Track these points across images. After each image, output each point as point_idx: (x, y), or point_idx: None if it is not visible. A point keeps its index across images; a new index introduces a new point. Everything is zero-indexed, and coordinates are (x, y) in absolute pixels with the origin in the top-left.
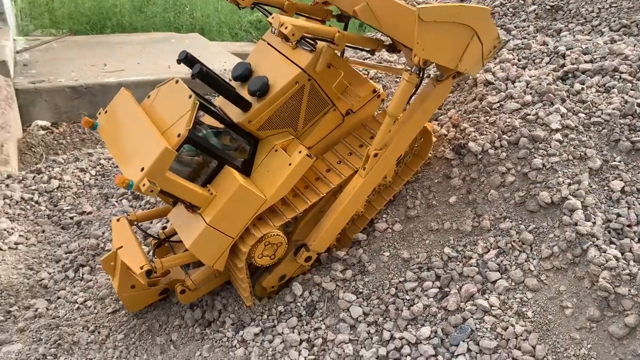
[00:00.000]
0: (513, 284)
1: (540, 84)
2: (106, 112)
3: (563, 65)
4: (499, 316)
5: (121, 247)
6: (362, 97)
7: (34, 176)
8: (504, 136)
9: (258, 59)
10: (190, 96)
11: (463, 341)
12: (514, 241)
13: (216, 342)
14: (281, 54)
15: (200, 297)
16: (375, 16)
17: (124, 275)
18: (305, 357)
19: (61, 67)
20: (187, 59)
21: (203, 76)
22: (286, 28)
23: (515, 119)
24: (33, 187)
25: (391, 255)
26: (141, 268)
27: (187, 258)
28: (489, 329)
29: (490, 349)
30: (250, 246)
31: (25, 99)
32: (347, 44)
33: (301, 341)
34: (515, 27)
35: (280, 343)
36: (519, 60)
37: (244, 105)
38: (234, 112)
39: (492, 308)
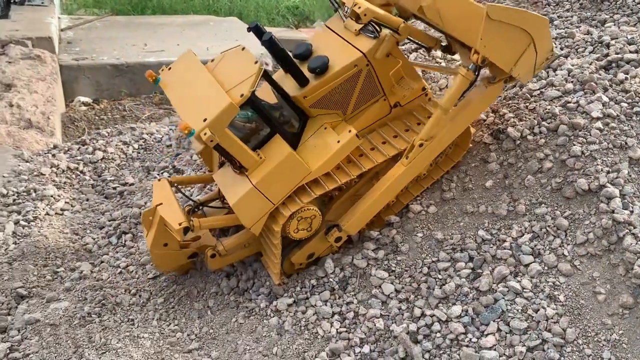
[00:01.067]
0: (546, 268)
1: (582, 72)
2: (169, 69)
3: (607, 55)
4: (530, 298)
5: (161, 204)
6: (414, 90)
7: (79, 147)
8: (544, 123)
9: (319, 42)
10: (255, 62)
11: (493, 321)
12: (548, 226)
13: (250, 310)
14: (343, 39)
15: (229, 264)
16: (440, 14)
17: (160, 232)
18: (337, 329)
19: (103, 45)
20: (257, 28)
21: (272, 44)
22: (359, 8)
23: (556, 107)
24: (78, 158)
25: (424, 236)
26: (179, 224)
27: (224, 221)
28: (519, 311)
29: (520, 330)
30: (291, 212)
31: (69, 75)
32: (409, 37)
33: (333, 314)
34: (558, 16)
35: (313, 314)
36: (562, 48)
37: (302, 80)
38: (290, 87)
39: (524, 290)
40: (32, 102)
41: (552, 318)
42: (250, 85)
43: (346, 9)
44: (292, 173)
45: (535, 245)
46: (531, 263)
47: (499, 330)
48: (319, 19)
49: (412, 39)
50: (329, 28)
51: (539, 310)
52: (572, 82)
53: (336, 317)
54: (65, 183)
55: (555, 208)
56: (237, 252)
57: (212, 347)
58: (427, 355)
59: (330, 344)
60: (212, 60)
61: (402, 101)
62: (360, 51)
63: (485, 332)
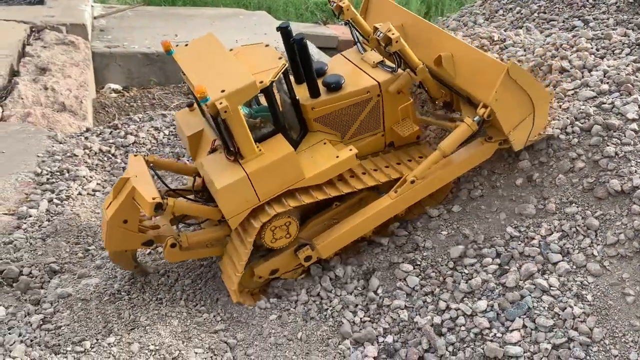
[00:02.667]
0: (574, 267)
1: (618, 74)
2: (186, 45)
3: None
4: (557, 297)
5: (136, 176)
6: (411, 133)
7: (111, 131)
8: (577, 123)
9: (335, 66)
10: (280, 58)
11: (519, 317)
12: (578, 226)
13: (277, 295)
14: (360, 69)
15: (182, 262)
16: (455, 65)
17: (125, 205)
18: (360, 318)
19: (135, 34)
20: (286, 30)
21: (302, 46)
22: (393, 34)
23: (590, 107)
24: (110, 141)
25: (448, 235)
26: (153, 199)
27: (200, 211)
28: (546, 308)
29: (546, 327)
30: (276, 212)
31: (101, 62)
32: (420, 83)
33: (357, 304)
34: (594, 18)
35: (339, 303)
36: (597, 50)
37: (315, 91)
38: (301, 95)
39: (551, 288)
40: (66, 86)
41: (579, 317)
42: (272, 75)
43: (379, 33)
44: (286, 173)
45: (564, 244)
46: (559, 261)
47: (524, 326)
48: None
49: (423, 84)
50: (345, 57)
51: (565, 308)
52: (607, 83)
53: (360, 306)
54: (97, 165)
55: (586, 208)
56: (198, 250)
57: (237, 329)
58: (450, 348)
59: (354, 333)
60: (231, 50)
61: (397, 143)
62: (376, 80)
63: (511, 328)
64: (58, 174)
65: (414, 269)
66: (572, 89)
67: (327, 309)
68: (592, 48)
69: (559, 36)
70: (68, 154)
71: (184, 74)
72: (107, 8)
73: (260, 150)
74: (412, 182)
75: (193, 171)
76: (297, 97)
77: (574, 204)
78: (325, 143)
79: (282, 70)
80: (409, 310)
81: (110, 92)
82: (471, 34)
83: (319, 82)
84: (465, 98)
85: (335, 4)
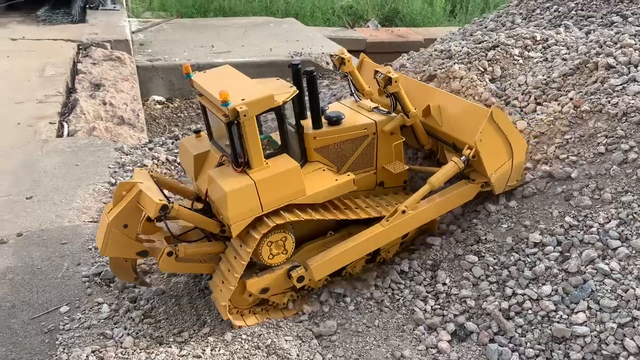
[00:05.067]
0: (634, 251)
1: None
2: (204, 72)
3: None
4: (619, 280)
5: (142, 183)
6: (400, 174)
7: (173, 141)
8: (627, 116)
9: (335, 108)
10: (291, 86)
11: (583, 299)
12: (635, 213)
13: (354, 288)
14: (357, 112)
15: (175, 273)
16: (442, 114)
17: (129, 208)
18: (431, 306)
19: (173, 47)
20: (298, 70)
21: (312, 77)
22: (393, 75)
23: (639, 101)
24: (175, 151)
25: (509, 228)
26: (160, 200)
27: (200, 221)
28: (609, 290)
29: (610, 308)
30: (276, 224)
31: (144, 75)
32: (412, 127)
33: (427, 292)
34: (632, 13)
35: (409, 293)
36: None
37: (319, 122)
38: (304, 125)
39: (613, 272)
40: (122, 101)
41: None
42: (285, 97)
43: (380, 74)
44: (290, 187)
45: (622, 231)
46: (619, 247)
47: (589, 308)
48: (373, 17)
49: (414, 129)
50: (343, 104)
51: (628, 290)
52: None
53: (430, 295)
54: (165, 173)
55: None
56: (191, 264)
57: (319, 320)
58: (519, 330)
59: (427, 320)
60: None
61: (387, 183)
62: (373, 120)
63: (576, 310)
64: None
65: (479, 260)
66: (620, 85)
67: (399, 299)
68: (636, 44)
69: (602, 33)
70: (138, 164)
71: (201, 96)
72: (143, 22)
73: (267, 164)
74: (403, 212)
75: (192, 194)
76: (302, 126)
77: (629, 193)
78: (324, 170)
79: (293, 95)
80: (476, 299)
81: (155, 104)
82: (514, 35)
83: (322, 117)
84: (451, 145)
85: (337, 57)
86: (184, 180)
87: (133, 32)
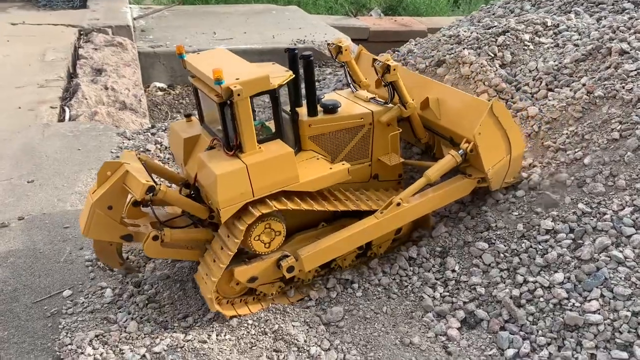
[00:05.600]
0: None
1: None
2: (198, 53)
3: None
4: (633, 267)
5: (129, 164)
6: (395, 167)
7: None
8: None
9: (331, 97)
10: (287, 70)
11: (596, 287)
12: None
13: (361, 274)
14: (354, 102)
15: (160, 258)
16: (440, 107)
17: (114, 188)
18: (440, 293)
19: (175, 33)
20: (294, 53)
21: (309, 62)
22: (392, 63)
23: None
24: None
25: (519, 215)
26: (147, 181)
27: (187, 204)
28: (622, 278)
29: (624, 296)
30: (261, 213)
31: (146, 61)
32: (408, 119)
33: (436, 279)
34: None
35: (418, 280)
36: None
37: (314, 109)
38: (299, 112)
39: (627, 260)
40: (124, 86)
41: None
42: (281, 80)
43: (378, 62)
44: (283, 172)
45: (636, 218)
46: (633, 234)
47: (602, 296)
48: (376, 6)
49: (411, 121)
50: (339, 94)
51: None
52: None
53: (439, 282)
54: (168, 159)
55: None
56: (177, 250)
57: (327, 306)
58: (530, 318)
59: (435, 307)
60: None
61: (381, 176)
62: (370, 110)
63: (589, 298)
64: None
65: (489, 246)
66: (635, 70)
67: (407, 285)
68: None
69: (615, 19)
70: (141, 149)
71: (193, 77)
72: (145, 9)
73: (260, 148)
74: (398, 204)
75: (180, 180)
76: (297, 112)
77: None
78: (318, 159)
79: (289, 79)
80: (486, 286)
81: (156, 90)
82: (524, 21)
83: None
84: (448, 139)
85: (334, 45)
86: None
87: (134, 19)
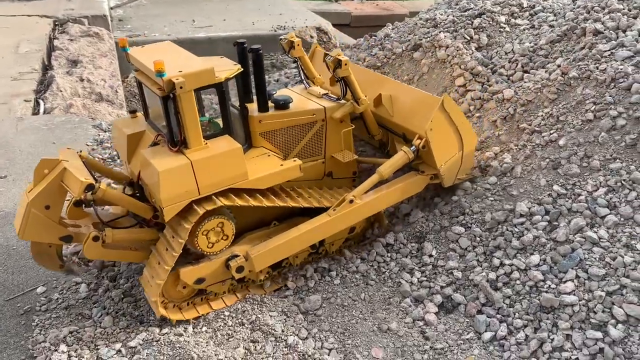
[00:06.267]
0: (622, 219)
1: None
2: (143, 47)
3: None
4: (607, 248)
5: (67, 161)
6: (351, 164)
7: None
8: (616, 82)
9: (283, 92)
10: (235, 64)
11: (572, 268)
12: (623, 180)
13: (338, 262)
14: (306, 98)
15: (102, 260)
16: (393, 104)
17: (50, 188)
18: (418, 278)
19: (153, 22)
20: (243, 47)
21: (258, 56)
22: (343, 57)
23: (628, 66)
24: None
25: (495, 199)
26: (85, 179)
27: (129, 203)
28: (597, 259)
29: (598, 276)
30: (206, 210)
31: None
32: (362, 115)
33: (413, 267)
34: None
35: (395, 266)
36: (629, 10)
37: (265, 105)
38: (249, 108)
39: (601, 240)
40: (100, 77)
41: (629, 265)
42: (227, 73)
43: (329, 57)
44: (231, 169)
45: (610, 198)
46: (607, 215)
47: (577, 277)
48: None
49: (364, 118)
50: (292, 90)
51: (616, 258)
52: None
53: (416, 267)
54: None
55: (630, 163)
56: (120, 252)
57: (304, 294)
58: (507, 301)
59: (413, 292)
60: None
61: (335, 174)
62: (322, 105)
63: (564, 279)
64: (110, 160)
65: (465, 230)
66: (609, 50)
67: (385, 271)
68: (624, 9)
69: None
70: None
71: (137, 71)
72: None
73: (206, 144)
74: (351, 201)
75: (125, 179)
76: (247, 108)
77: (617, 160)
78: (269, 155)
79: (237, 72)
80: (463, 270)
81: (135, 80)
82: (500, 2)
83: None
84: (401, 135)
85: (286, 40)
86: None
87: (111, 8)
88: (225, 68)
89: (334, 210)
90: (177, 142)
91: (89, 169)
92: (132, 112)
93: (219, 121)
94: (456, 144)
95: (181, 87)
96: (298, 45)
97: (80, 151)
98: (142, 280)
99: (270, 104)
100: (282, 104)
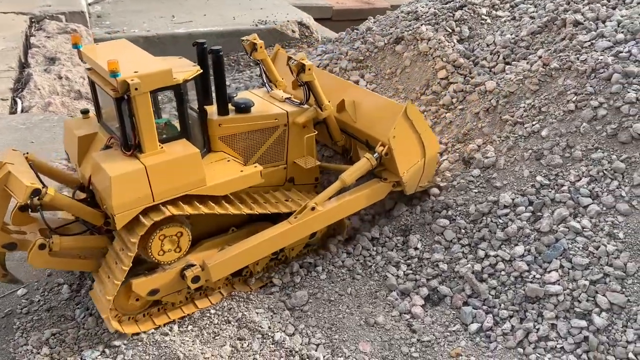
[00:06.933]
0: (605, 208)
1: (632, 22)
2: (97, 44)
3: None
4: (590, 237)
5: (12, 164)
6: (314, 170)
7: None
8: (596, 72)
9: (244, 95)
10: (195, 65)
11: (556, 258)
12: (605, 170)
13: (323, 257)
14: (268, 102)
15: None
16: (356, 110)
17: None
18: (404, 271)
19: (132, 18)
20: (203, 47)
21: (218, 57)
22: (307, 62)
23: (608, 56)
24: None
25: (479, 192)
26: (31, 183)
27: (77, 209)
28: (580, 248)
29: (582, 265)
30: (165, 216)
31: None
32: (325, 120)
33: (399, 260)
34: None
35: (381, 260)
36: (608, 0)
37: (225, 107)
38: (209, 111)
39: (584, 230)
40: (79, 74)
41: (612, 254)
42: (186, 75)
43: (293, 61)
44: (188, 175)
45: (593, 188)
46: (590, 204)
47: (561, 266)
48: None
49: (327, 124)
50: (254, 93)
51: (599, 247)
52: (622, 32)
53: (402, 261)
54: None
55: (612, 152)
56: (68, 261)
57: (291, 290)
58: (493, 292)
59: (399, 285)
60: None
61: (297, 179)
62: (284, 110)
63: (548, 269)
64: None
65: (450, 223)
66: (589, 41)
67: (371, 265)
68: (603, 0)
69: None
70: None
71: (90, 70)
72: None
73: (162, 148)
74: (313, 208)
75: (76, 183)
76: (205, 111)
77: (599, 150)
78: (229, 160)
79: (196, 74)
80: (448, 262)
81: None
82: None
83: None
84: (364, 142)
85: (248, 42)
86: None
87: (89, 4)
88: (184, 69)
89: (295, 217)
90: (131, 145)
91: (36, 172)
92: (84, 112)
93: (177, 124)
94: (419, 151)
95: (136, 89)
96: (261, 47)
97: (27, 153)
98: (93, 295)
99: (230, 107)
100: (243, 108)
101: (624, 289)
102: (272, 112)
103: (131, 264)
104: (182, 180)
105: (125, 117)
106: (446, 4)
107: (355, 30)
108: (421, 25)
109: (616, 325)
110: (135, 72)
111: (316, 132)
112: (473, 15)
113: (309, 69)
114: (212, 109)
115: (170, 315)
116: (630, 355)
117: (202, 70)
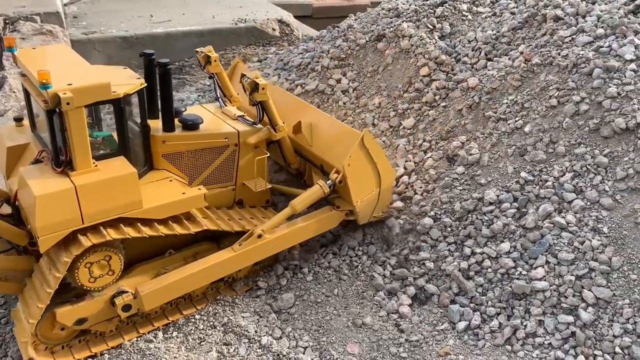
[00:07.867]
0: (589, 203)
1: (612, 17)
2: (34, 48)
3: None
4: (575, 232)
5: None
6: (264, 190)
7: (111, 117)
8: (578, 67)
9: (194, 111)
10: (139, 78)
11: (542, 254)
12: (589, 165)
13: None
14: (220, 119)
15: None
16: (313, 133)
17: None
18: (390, 271)
19: (110, 18)
20: (151, 58)
21: (166, 71)
22: (261, 81)
23: (589, 51)
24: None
25: (464, 189)
26: None
27: (0, 228)
28: (566, 243)
29: (568, 261)
30: (92, 243)
31: (79, 49)
32: (278, 142)
33: (385, 259)
34: None
35: (367, 260)
36: None
37: (170, 124)
38: (153, 126)
39: (569, 225)
40: None
41: (597, 249)
42: (127, 88)
43: (246, 79)
44: (123, 197)
45: (577, 183)
46: (574, 199)
47: (547, 262)
48: None
49: (281, 145)
50: (205, 108)
51: (584, 242)
52: (602, 27)
53: (387, 261)
54: None
55: (594, 147)
56: None
57: (277, 293)
58: (480, 290)
59: (386, 285)
60: None
61: (246, 201)
62: (236, 129)
63: (535, 265)
64: None
65: (435, 222)
66: (569, 36)
67: (357, 265)
68: None
69: None
70: None
71: (24, 76)
72: None
73: (96, 165)
74: (259, 236)
75: (3, 195)
76: (149, 126)
77: (582, 145)
78: (171, 180)
79: (138, 88)
80: (435, 261)
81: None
82: None
83: (175, 120)
84: (319, 167)
85: (203, 54)
86: None
87: (65, 4)
88: (126, 82)
89: (240, 245)
90: (62, 162)
91: None
92: (18, 120)
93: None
94: (374, 180)
95: (68, 103)
96: (215, 60)
97: None
98: (15, 317)
99: (177, 123)
100: (191, 125)
101: (609, 284)
102: (222, 131)
103: (57, 287)
104: (115, 201)
105: (57, 131)
106: (427, 0)
107: (336, 28)
108: (402, 22)
109: (602, 320)
110: (69, 84)
111: (268, 154)
112: (454, 11)
113: (263, 88)
114: (157, 125)
115: (92, 349)
116: (617, 349)
117: (146, 84)
